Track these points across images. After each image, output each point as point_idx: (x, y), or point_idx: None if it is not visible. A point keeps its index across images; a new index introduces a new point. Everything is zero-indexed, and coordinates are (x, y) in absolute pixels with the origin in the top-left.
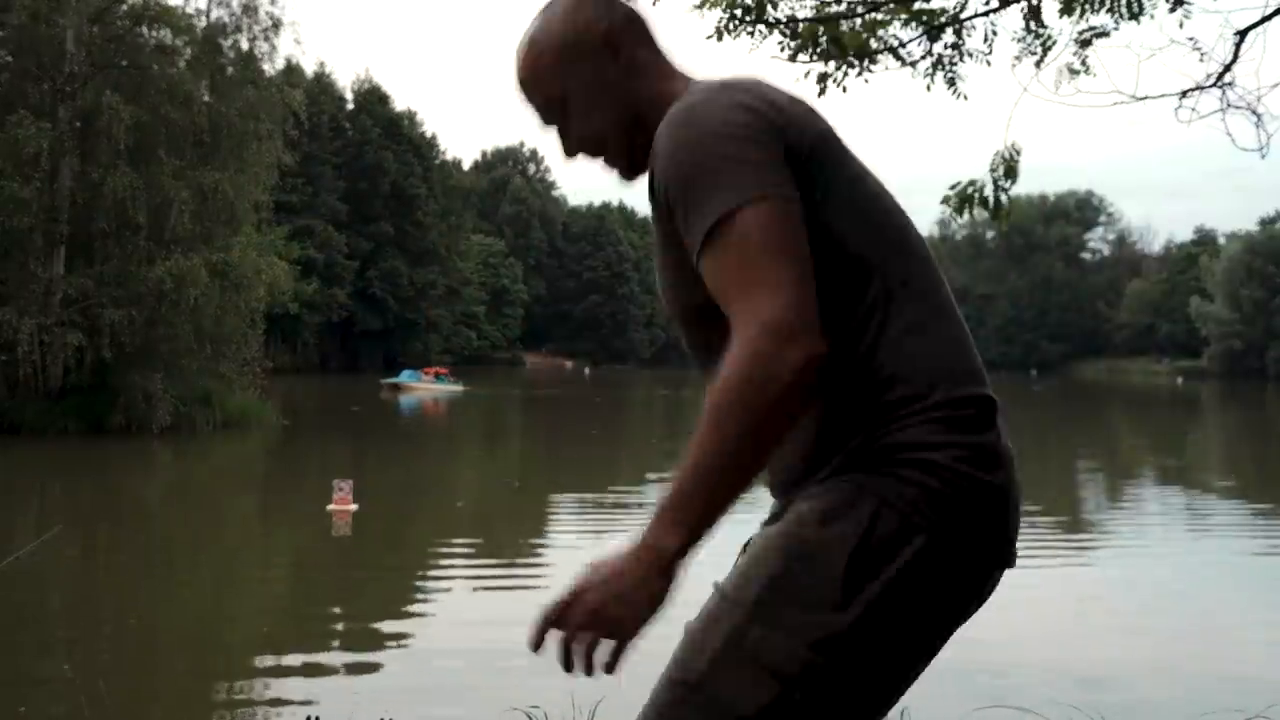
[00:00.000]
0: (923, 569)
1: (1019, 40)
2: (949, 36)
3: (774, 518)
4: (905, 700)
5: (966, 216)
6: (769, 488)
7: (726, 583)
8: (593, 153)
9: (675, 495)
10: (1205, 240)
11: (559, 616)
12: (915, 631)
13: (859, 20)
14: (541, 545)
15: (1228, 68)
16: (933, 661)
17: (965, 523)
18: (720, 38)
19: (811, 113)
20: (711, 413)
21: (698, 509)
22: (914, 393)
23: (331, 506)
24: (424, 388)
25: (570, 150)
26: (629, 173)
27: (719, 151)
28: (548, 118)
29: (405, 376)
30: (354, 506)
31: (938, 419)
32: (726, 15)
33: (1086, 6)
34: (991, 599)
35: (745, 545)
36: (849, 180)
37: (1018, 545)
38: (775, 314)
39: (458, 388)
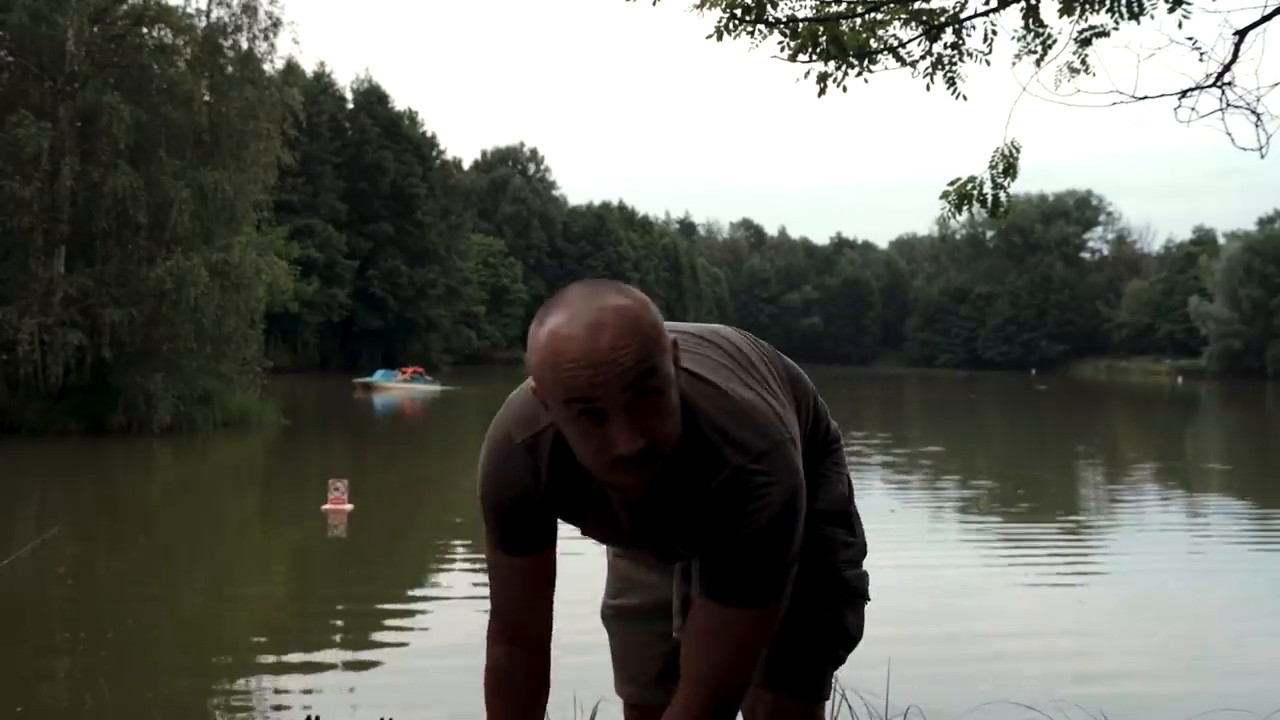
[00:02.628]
0: None
1: (1018, 39)
2: (949, 36)
3: None
4: (908, 699)
5: (966, 215)
6: None
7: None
8: (661, 456)
9: None
10: (1204, 240)
11: None
12: None
13: (859, 20)
14: None
15: (1227, 67)
16: (934, 659)
17: None
18: (720, 38)
19: None
20: None
21: None
22: None
23: (327, 506)
24: (398, 387)
25: (637, 454)
26: (644, 489)
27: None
28: (630, 401)
29: (379, 376)
30: (349, 506)
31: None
32: (726, 15)
33: (1086, 6)
34: (994, 596)
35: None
36: None
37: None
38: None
39: (435, 387)
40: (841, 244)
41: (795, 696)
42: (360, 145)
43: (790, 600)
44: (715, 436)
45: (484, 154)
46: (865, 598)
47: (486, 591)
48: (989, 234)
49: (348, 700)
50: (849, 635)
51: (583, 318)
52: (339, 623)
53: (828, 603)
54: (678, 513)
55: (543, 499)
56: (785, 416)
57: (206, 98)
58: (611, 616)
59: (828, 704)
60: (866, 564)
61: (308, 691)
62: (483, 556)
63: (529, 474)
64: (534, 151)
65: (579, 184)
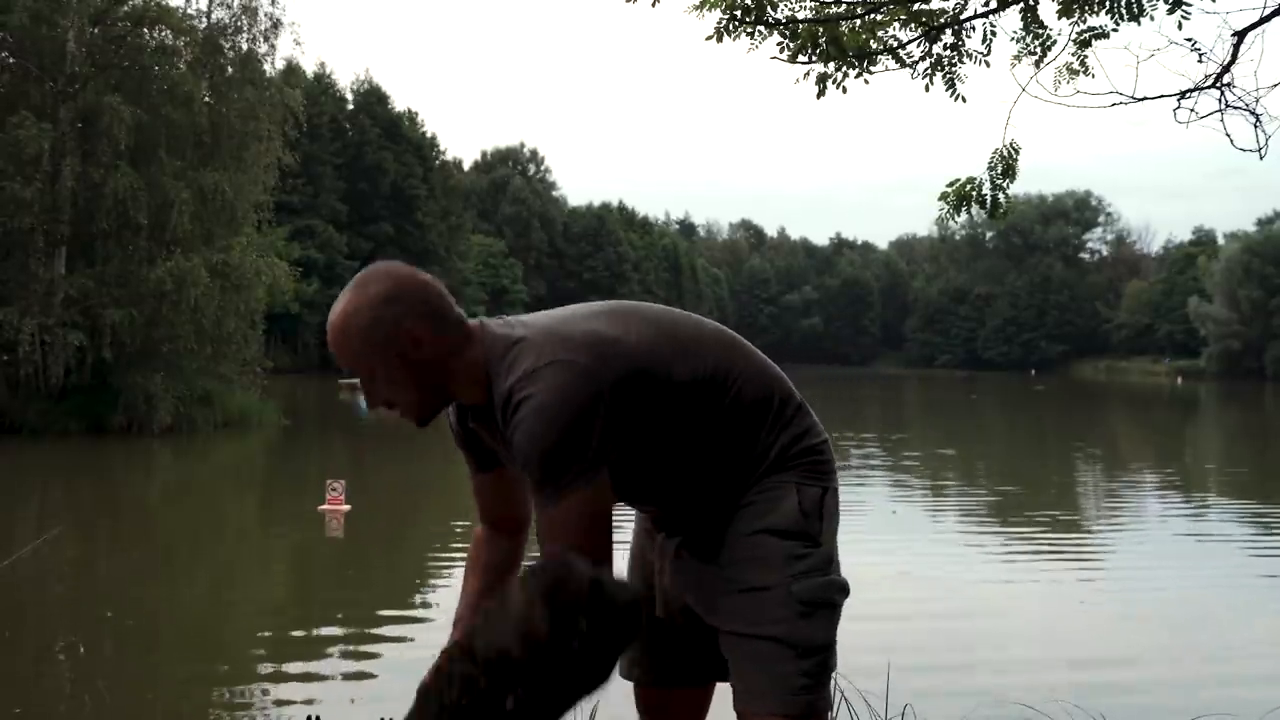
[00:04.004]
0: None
1: (1018, 41)
2: (948, 37)
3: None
4: (907, 698)
5: (965, 216)
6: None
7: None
8: (406, 413)
9: None
10: (1204, 241)
11: None
12: None
13: (858, 21)
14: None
15: (1226, 68)
16: (933, 659)
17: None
18: (720, 38)
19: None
20: None
21: None
22: None
23: (324, 507)
24: None
25: (374, 403)
26: (420, 421)
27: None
28: (356, 375)
29: None
30: (347, 507)
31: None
32: (726, 16)
33: (1085, 7)
34: (992, 597)
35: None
36: None
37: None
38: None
39: None
40: (841, 244)
41: (777, 715)
42: (360, 146)
43: (746, 621)
44: (496, 373)
45: (484, 154)
46: (830, 605)
47: None
48: (988, 235)
49: (347, 700)
50: (811, 645)
51: (329, 321)
52: (338, 623)
53: (779, 618)
54: (499, 442)
55: (464, 433)
56: (592, 341)
57: (207, 99)
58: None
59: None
60: (866, 564)
61: (308, 692)
62: None
63: (453, 413)
64: (534, 152)
65: (579, 184)
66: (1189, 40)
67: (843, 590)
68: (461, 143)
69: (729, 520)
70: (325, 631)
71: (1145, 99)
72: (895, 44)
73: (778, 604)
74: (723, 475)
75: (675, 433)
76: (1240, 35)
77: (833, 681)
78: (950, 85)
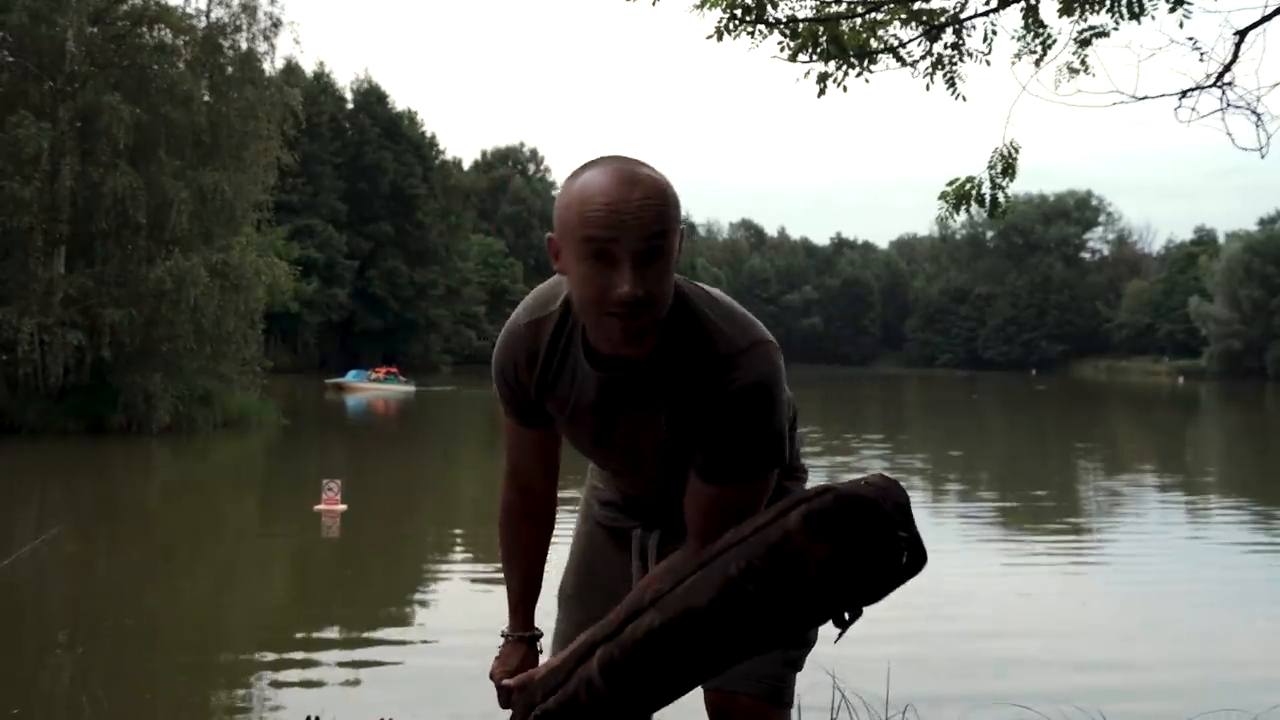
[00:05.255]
0: None
1: (1018, 40)
2: (949, 36)
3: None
4: (906, 698)
5: (965, 215)
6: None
7: None
8: (654, 313)
9: None
10: (1205, 240)
11: None
12: None
13: (859, 20)
14: None
15: (1227, 68)
16: (933, 659)
17: None
18: (720, 38)
19: None
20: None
21: None
22: None
23: (320, 507)
24: (370, 388)
25: (645, 286)
26: (651, 326)
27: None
28: (645, 256)
29: (351, 376)
30: (343, 507)
31: None
32: (726, 15)
33: (1086, 6)
34: (993, 598)
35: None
36: None
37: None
38: None
39: (409, 388)
40: (841, 244)
41: (754, 697)
42: (360, 145)
43: None
44: (707, 326)
45: (484, 154)
46: None
47: (483, 591)
48: (989, 234)
49: (347, 700)
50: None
51: (618, 175)
52: (336, 623)
53: None
54: (672, 399)
55: (536, 380)
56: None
57: (206, 98)
58: (570, 596)
59: (827, 704)
60: None
61: (307, 692)
62: (477, 557)
63: (527, 354)
64: (534, 151)
65: None
66: (1190, 39)
67: None
68: (461, 143)
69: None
70: (324, 632)
71: (1146, 98)
72: (896, 43)
73: None
74: None
75: None
76: (1241, 34)
77: (833, 682)
78: (951, 84)
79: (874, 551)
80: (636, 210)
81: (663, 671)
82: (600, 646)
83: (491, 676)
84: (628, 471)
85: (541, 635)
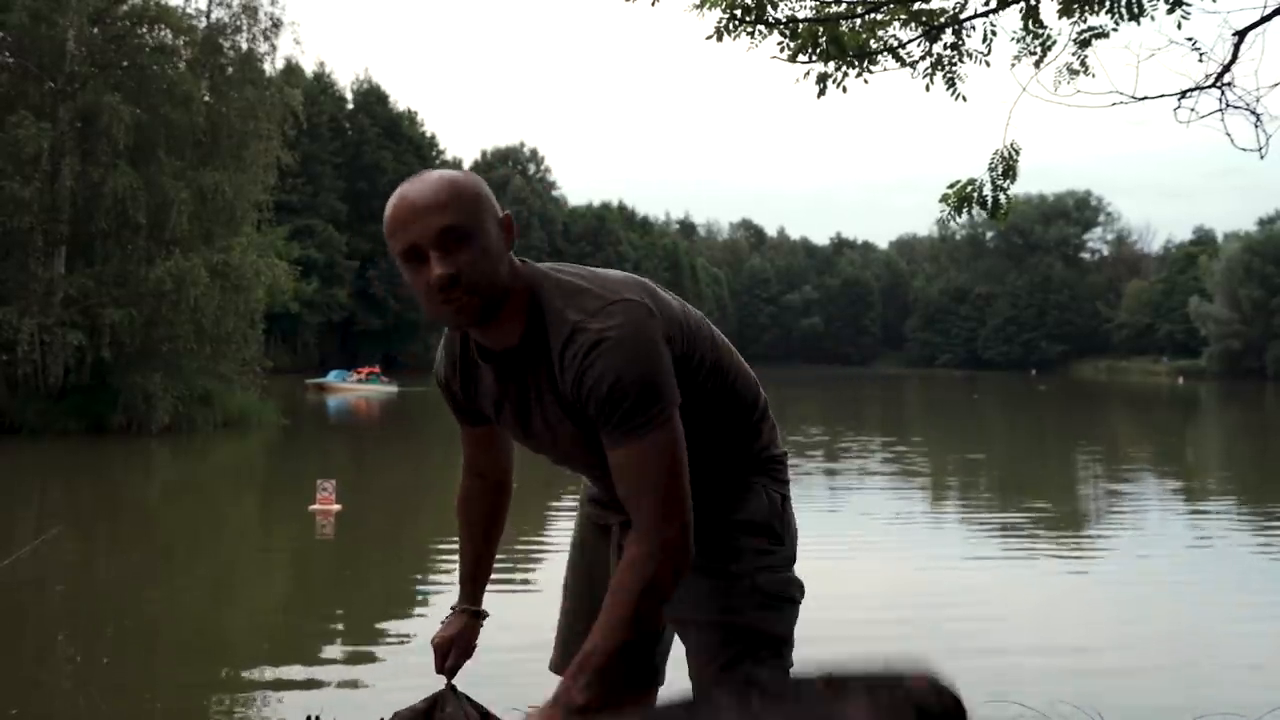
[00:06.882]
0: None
1: (1018, 40)
2: (948, 37)
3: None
4: None
5: (965, 216)
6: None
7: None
8: (472, 290)
9: (591, 669)
10: (1204, 240)
11: None
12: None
13: (859, 21)
14: (530, 545)
15: (1227, 68)
16: (932, 659)
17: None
18: (720, 38)
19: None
20: (625, 609)
21: (606, 675)
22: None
23: (314, 507)
24: (351, 388)
25: (455, 266)
26: (485, 309)
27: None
28: (442, 241)
29: (332, 377)
30: (337, 507)
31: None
32: (726, 15)
33: (1085, 7)
34: (992, 596)
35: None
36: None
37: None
38: (674, 535)
39: (391, 388)
40: (841, 244)
41: None
42: (360, 145)
43: (707, 608)
44: (556, 307)
45: (484, 154)
46: (789, 600)
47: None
48: (989, 234)
49: (347, 700)
50: (768, 637)
51: (409, 182)
52: (336, 623)
53: (740, 607)
54: (552, 383)
55: (461, 384)
56: (648, 293)
57: (206, 98)
58: (565, 585)
59: None
60: (866, 564)
61: (307, 692)
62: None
63: (449, 363)
64: (534, 151)
65: (579, 184)
66: (1189, 40)
67: (800, 590)
68: (461, 143)
69: (699, 510)
70: (323, 632)
71: (1145, 98)
72: (895, 43)
73: (740, 594)
74: (704, 464)
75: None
76: (1241, 35)
77: None
78: (950, 85)
79: None
80: (426, 204)
81: None
82: None
83: (431, 642)
84: (565, 463)
85: (485, 614)
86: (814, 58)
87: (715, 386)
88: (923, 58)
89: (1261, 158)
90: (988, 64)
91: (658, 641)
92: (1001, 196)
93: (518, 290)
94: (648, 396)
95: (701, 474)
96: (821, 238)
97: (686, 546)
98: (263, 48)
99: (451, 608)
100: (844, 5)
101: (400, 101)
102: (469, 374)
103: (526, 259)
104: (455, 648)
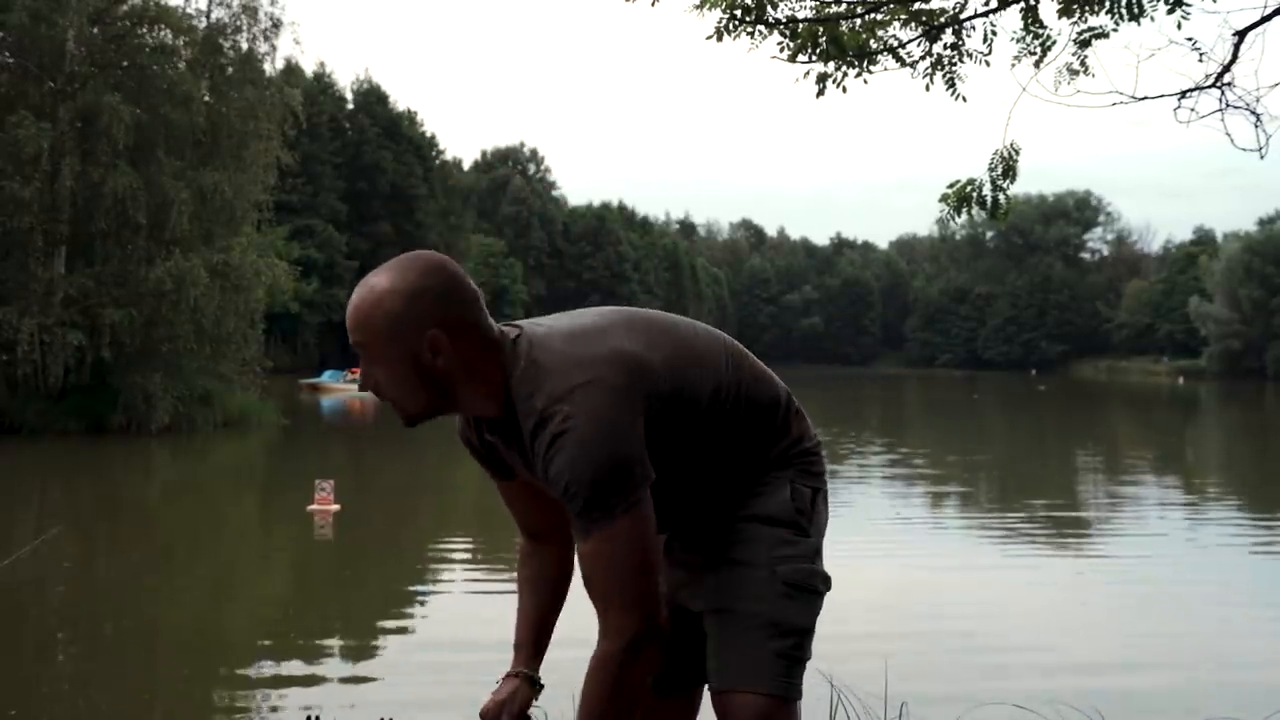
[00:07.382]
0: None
1: (1018, 41)
2: (948, 37)
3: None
4: (904, 697)
5: (965, 216)
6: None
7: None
8: (394, 401)
9: None
10: (1204, 240)
11: None
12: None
13: (859, 21)
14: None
15: (1227, 68)
16: (932, 659)
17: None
18: (720, 38)
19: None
20: (595, 708)
21: None
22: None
23: (313, 507)
24: (345, 389)
25: (366, 387)
26: (409, 422)
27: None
28: (365, 357)
29: (326, 377)
30: (336, 507)
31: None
32: (726, 15)
33: (1085, 7)
34: (992, 597)
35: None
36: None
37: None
38: (639, 633)
39: None
40: (841, 244)
41: (756, 691)
42: (360, 145)
43: (730, 598)
44: (523, 394)
45: (484, 154)
46: (812, 591)
47: (479, 590)
48: (989, 234)
49: (347, 699)
50: (790, 626)
51: (361, 284)
52: (334, 622)
53: (762, 596)
54: (525, 462)
55: (478, 439)
56: (622, 360)
57: (206, 98)
58: None
59: (825, 703)
60: (865, 565)
61: (306, 692)
62: (473, 558)
63: (468, 424)
64: (534, 151)
65: (579, 184)
66: (1189, 40)
67: (825, 581)
68: (461, 143)
69: (722, 510)
70: (322, 631)
71: (1145, 99)
72: (895, 43)
73: (762, 583)
74: (726, 478)
75: (689, 442)
76: (1241, 35)
77: (830, 682)
78: (950, 85)
79: None
80: (349, 313)
81: None
82: None
83: (480, 713)
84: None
85: (539, 682)
86: (814, 58)
87: (732, 403)
88: (923, 58)
89: (1261, 158)
90: (988, 64)
91: (686, 641)
92: (1001, 196)
93: (491, 375)
94: (607, 489)
95: (725, 477)
96: (821, 238)
97: (653, 635)
98: (263, 48)
99: (507, 674)
100: (844, 5)
101: (400, 101)
102: (481, 429)
103: (505, 325)
104: (505, 713)
